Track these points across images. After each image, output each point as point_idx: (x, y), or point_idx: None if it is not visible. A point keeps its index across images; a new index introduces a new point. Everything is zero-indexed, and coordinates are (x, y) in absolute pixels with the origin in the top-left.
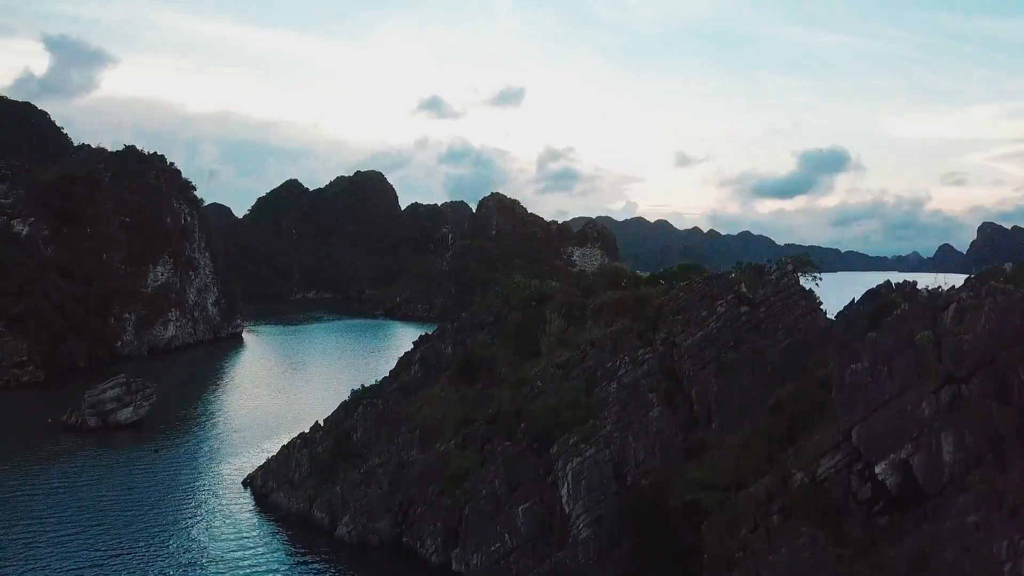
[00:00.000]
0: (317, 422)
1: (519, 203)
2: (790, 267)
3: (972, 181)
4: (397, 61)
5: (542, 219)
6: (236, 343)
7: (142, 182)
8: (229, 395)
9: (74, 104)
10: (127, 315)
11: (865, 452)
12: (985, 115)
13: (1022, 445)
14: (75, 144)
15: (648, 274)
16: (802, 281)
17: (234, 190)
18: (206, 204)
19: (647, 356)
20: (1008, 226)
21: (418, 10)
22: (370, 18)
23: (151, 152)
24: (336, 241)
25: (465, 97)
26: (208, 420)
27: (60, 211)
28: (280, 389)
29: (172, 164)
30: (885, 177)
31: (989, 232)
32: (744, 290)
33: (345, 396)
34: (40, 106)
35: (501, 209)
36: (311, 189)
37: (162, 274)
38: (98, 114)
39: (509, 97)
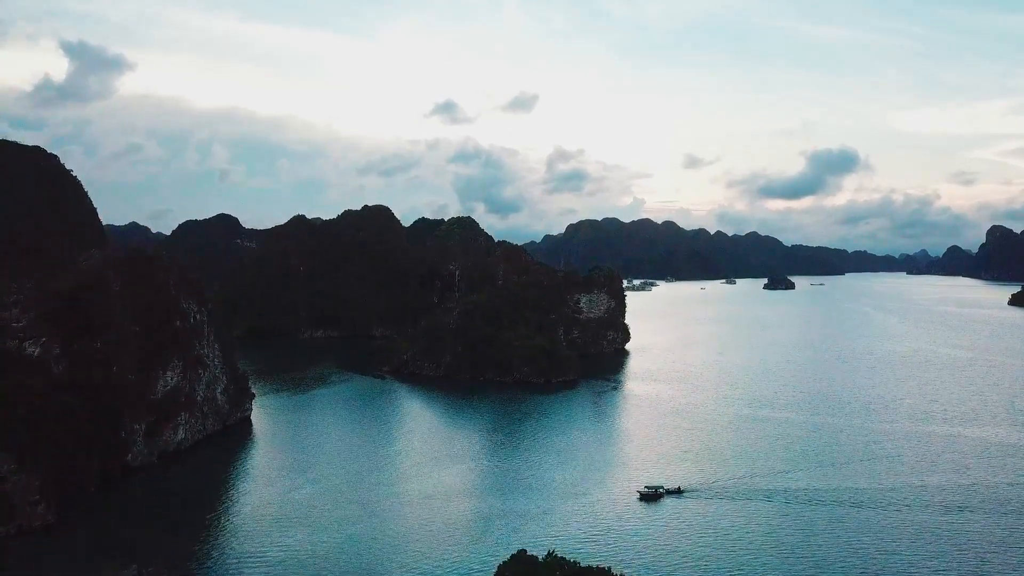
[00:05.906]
0: None
1: (525, 251)
2: None
3: (981, 179)
4: (408, 60)
5: (549, 267)
6: (245, 433)
7: (151, 284)
8: (235, 546)
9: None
10: (137, 426)
11: None
12: (994, 110)
13: None
14: (84, 185)
15: None
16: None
17: (244, 191)
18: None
19: None
20: (1017, 229)
21: (426, 8)
22: (378, 15)
23: (161, 251)
24: (343, 277)
25: (479, 103)
26: None
27: (70, 325)
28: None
29: (169, 247)
30: (893, 175)
31: (998, 235)
32: None
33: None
34: (56, 111)
35: (508, 258)
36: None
37: (172, 379)
38: (112, 116)
39: (522, 102)
